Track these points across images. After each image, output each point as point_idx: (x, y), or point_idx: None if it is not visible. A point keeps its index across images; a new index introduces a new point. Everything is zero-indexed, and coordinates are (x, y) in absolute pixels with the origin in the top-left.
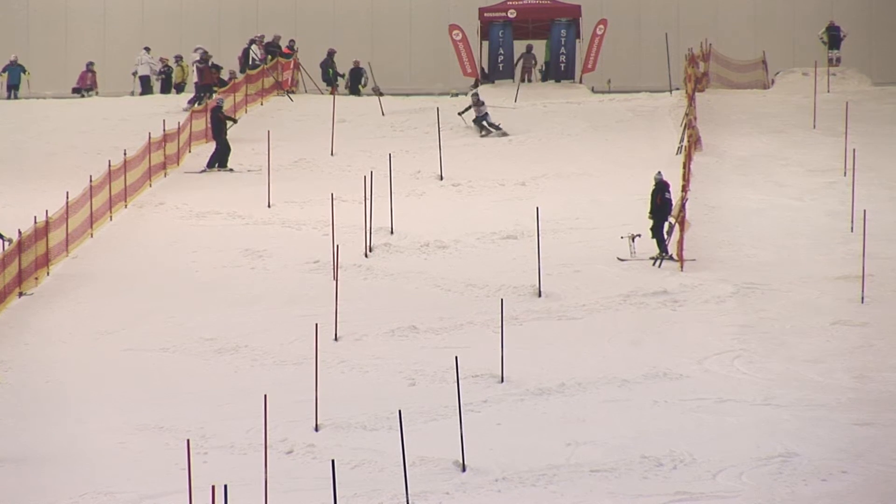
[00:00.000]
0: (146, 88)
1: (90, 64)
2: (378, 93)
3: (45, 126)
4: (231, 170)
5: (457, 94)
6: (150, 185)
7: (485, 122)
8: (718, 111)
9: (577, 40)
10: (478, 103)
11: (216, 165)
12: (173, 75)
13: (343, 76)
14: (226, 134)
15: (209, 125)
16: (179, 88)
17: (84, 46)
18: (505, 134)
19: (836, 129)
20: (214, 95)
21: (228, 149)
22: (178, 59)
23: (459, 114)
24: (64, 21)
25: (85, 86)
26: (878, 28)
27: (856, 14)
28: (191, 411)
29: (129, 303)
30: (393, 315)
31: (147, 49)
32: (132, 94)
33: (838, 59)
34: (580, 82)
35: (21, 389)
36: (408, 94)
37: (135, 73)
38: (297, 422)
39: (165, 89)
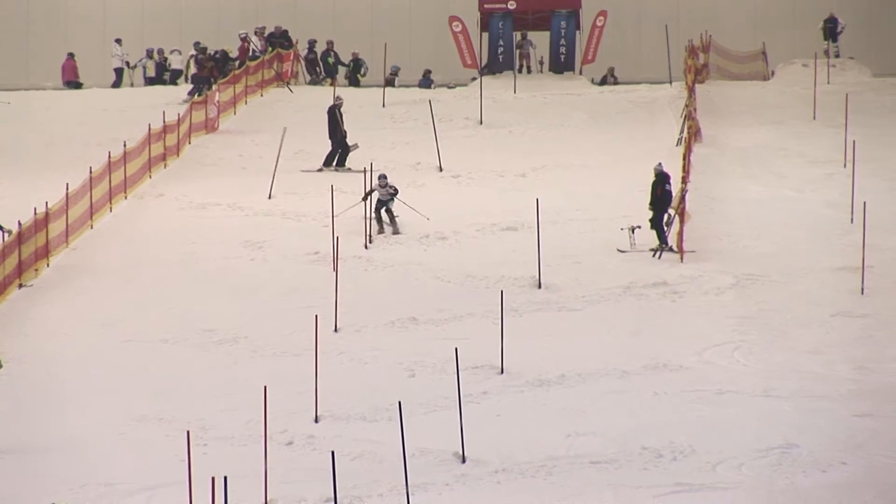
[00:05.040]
0: (119, 80)
1: (71, 55)
2: (393, 76)
3: (44, 117)
4: (349, 169)
5: (454, 86)
6: (150, 177)
7: (384, 212)
8: (718, 102)
9: (577, 32)
10: (383, 185)
11: (333, 164)
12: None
13: (348, 66)
14: (342, 132)
15: (328, 123)
16: (174, 79)
17: (84, 39)
18: (397, 232)
19: (836, 121)
20: (335, 98)
21: (347, 148)
22: (161, 51)
23: (363, 198)
24: (64, 13)
25: (74, 77)
26: (878, 19)
27: (856, 5)
28: (190, 402)
29: (128, 294)
30: (393, 306)
31: (118, 41)
32: (132, 85)
33: (837, 53)
34: (580, 74)
35: (21, 381)
36: (408, 86)
37: (123, 68)
38: (296, 413)
39: (160, 80)
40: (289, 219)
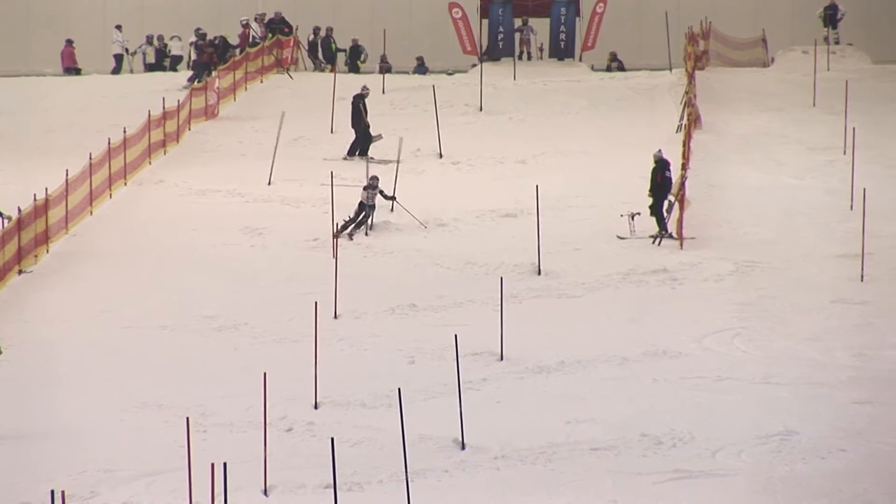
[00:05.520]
0: (118, 67)
1: (69, 41)
2: (385, 69)
3: (44, 104)
4: (372, 158)
5: (453, 73)
6: (150, 163)
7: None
8: (718, 89)
9: (577, 18)
10: (373, 186)
11: (357, 153)
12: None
13: (344, 51)
14: (366, 123)
15: (351, 113)
16: (174, 65)
17: (84, 25)
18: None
19: (836, 108)
20: (361, 88)
21: (369, 137)
22: (161, 38)
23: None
24: None
25: (73, 64)
26: (878, 6)
27: None
28: (190, 389)
29: (128, 280)
30: (392, 293)
31: (119, 27)
32: (131, 72)
33: (837, 39)
34: (580, 60)
35: (20, 367)
36: (408, 73)
37: (123, 54)
38: (296, 399)
39: (160, 66)
40: (288, 205)
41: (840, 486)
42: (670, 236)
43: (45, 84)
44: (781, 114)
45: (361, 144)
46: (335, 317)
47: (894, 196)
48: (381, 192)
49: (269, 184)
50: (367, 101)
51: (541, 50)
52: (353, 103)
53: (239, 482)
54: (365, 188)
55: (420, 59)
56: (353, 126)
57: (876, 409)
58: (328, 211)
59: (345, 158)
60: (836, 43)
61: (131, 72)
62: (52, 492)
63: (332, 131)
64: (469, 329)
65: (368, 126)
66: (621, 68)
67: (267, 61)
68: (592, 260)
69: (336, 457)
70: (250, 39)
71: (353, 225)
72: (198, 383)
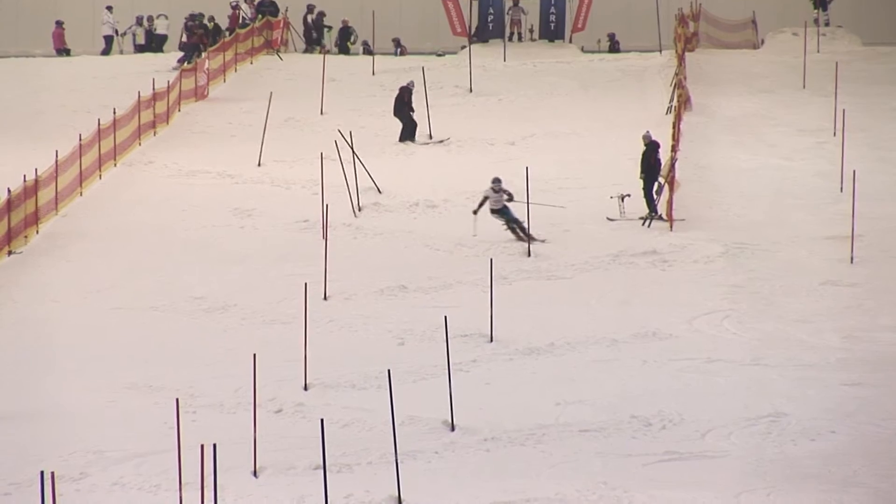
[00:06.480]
0: (108, 48)
1: (59, 22)
2: (368, 51)
3: (34, 85)
4: (414, 141)
5: (443, 54)
6: (140, 144)
7: (512, 225)
8: (708, 71)
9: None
10: (497, 190)
11: (407, 139)
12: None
13: (329, 29)
14: (409, 111)
15: (395, 101)
16: (160, 45)
17: (74, 6)
18: (534, 239)
19: (826, 90)
20: (409, 82)
21: (414, 124)
22: (150, 19)
23: (474, 212)
24: None
25: (63, 45)
26: None
27: None
28: (180, 370)
29: (118, 261)
30: (382, 274)
31: (109, 8)
32: (121, 53)
33: (827, 21)
34: (570, 42)
35: (10, 348)
36: (397, 54)
37: (112, 35)
38: (286, 381)
39: (148, 47)
40: (278, 186)
41: (830, 468)
42: (660, 218)
43: (34, 65)
44: (771, 96)
45: (409, 130)
46: (325, 298)
47: (884, 178)
48: (507, 193)
49: (259, 165)
50: (412, 95)
51: (531, 31)
52: (398, 94)
53: (228, 463)
54: (492, 192)
55: (396, 41)
56: (395, 115)
57: (866, 391)
58: (318, 192)
59: (397, 144)
60: (827, 25)
61: (121, 53)
62: (42, 473)
63: (321, 112)
64: (459, 310)
65: (413, 111)
66: (615, 49)
67: (257, 42)
68: (582, 242)
69: (326, 438)
70: (240, 20)
71: (516, 233)
72: (187, 364)
